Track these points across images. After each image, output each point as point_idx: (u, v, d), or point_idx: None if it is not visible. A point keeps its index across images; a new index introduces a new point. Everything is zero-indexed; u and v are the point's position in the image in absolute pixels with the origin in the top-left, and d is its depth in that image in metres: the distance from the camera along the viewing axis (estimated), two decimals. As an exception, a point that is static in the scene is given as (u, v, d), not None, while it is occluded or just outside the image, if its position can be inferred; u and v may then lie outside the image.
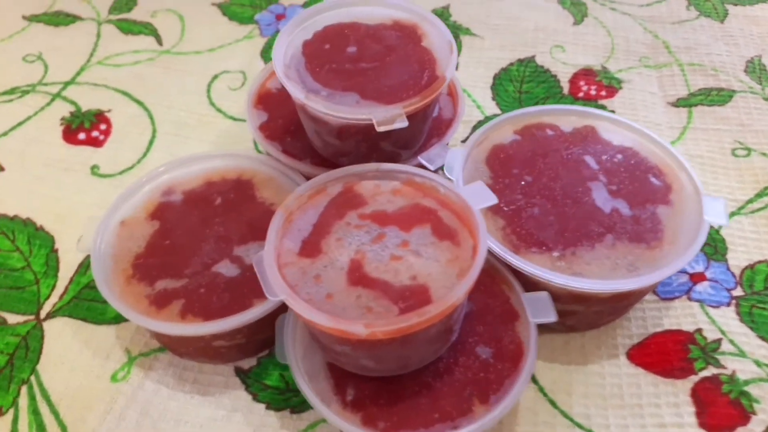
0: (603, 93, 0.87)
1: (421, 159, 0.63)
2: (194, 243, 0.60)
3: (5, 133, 0.83)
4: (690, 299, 0.66)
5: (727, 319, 0.64)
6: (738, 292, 0.66)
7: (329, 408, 0.50)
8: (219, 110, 0.86)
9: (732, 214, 0.73)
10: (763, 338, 0.62)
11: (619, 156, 0.65)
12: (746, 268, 0.68)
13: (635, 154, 0.66)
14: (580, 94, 0.87)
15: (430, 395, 0.50)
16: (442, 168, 0.63)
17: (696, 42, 0.94)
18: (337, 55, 0.60)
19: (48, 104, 0.87)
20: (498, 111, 0.85)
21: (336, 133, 0.58)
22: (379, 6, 0.64)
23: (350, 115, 0.55)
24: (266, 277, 0.46)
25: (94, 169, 0.79)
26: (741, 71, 0.89)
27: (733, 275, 0.68)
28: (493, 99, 0.87)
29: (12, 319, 0.66)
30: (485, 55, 0.93)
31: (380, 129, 0.54)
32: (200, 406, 0.60)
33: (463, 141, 0.81)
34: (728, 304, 0.65)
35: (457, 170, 0.63)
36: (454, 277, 0.47)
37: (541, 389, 0.60)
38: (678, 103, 0.86)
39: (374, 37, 0.62)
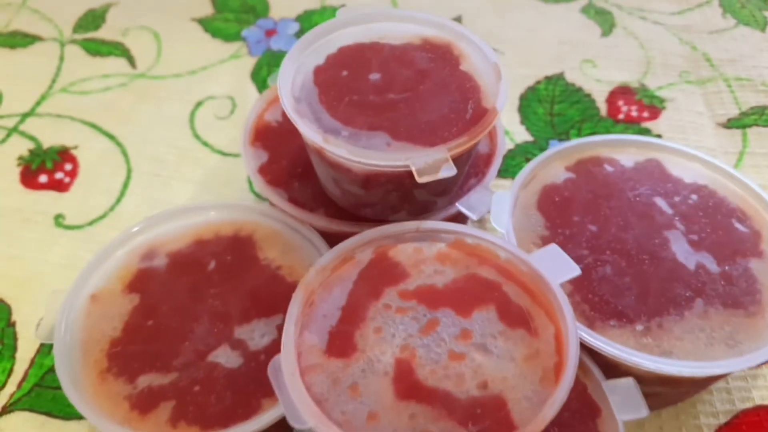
0: (645, 114, 0.77)
1: (460, 206, 0.52)
2: (184, 323, 0.48)
3: (-49, 177, 0.70)
4: (781, 364, 0.55)
5: (830, 389, 0.53)
6: (834, 352, 0.56)
7: None
8: (205, 144, 0.73)
9: (809, 255, 0.63)
10: None
11: (694, 196, 0.54)
12: (837, 321, 0.58)
13: (712, 193, 0.55)
14: (621, 116, 0.76)
15: None
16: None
17: (739, 53, 0.84)
18: (357, 83, 0.49)
19: (2, 141, 0.73)
20: (529, 137, 0.74)
21: (361, 183, 0.47)
22: (404, 21, 0.53)
23: (383, 161, 0.43)
24: (288, 395, 0.34)
25: (58, 220, 0.66)
26: (794, 86, 0.79)
27: (824, 331, 0.57)
28: (522, 123, 0.76)
29: (-44, 417, 0.53)
30: (507, 72, 0.82)
31: (422, 179, 0.42)
32: None
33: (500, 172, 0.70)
34: (825, 369, 0.55)
35: (506, 219, 0.51)
36: (537, 382, 0.36)
37: (618, 488, 0.49)
38: (729, 124, 0.76)
39: (401, 59, 0.50)
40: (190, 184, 0.70)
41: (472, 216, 0.51)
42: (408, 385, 0.36)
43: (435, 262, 0.42)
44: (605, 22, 0.89)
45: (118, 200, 0.68)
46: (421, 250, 0.43)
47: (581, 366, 0.46)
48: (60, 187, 0.69)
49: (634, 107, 0.77)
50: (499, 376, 0.36)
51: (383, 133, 0.46)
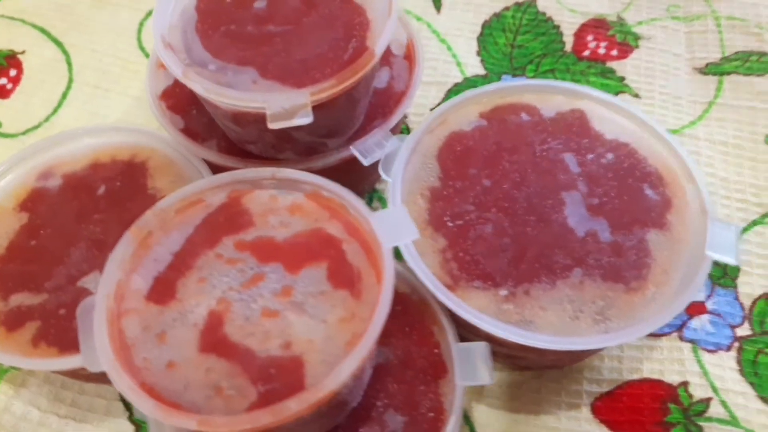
0: (614, 52, 0.71)
1: (353, 150, 0.50)
2: (64, 246, 0.49)
3: None
4: (682, 339, 0.53)
5: (724, 369, 0.51)
6: (744, 330, 0.53)
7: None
8: (147, 56, 0.72)
9: (754, 223, 0.59)
10: (765, 399, 0.49)
11: (610, 155, 0.51)
12: (760, 297, 0.55)
13: (632, 153, 0.51)
14: (586, 53, 0.71)
15: (316, 477, 0.40)
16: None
17: (742, -12, 0.75)
18: (239, 12, 0.46)
19: (-45, 41, 0.74)
20: (481, 70, 0.70)
21: (232, 119, 0.45)
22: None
23: (239, 102, 0.41)
24: (89, 339, 0.35)
25: (-5, 127, 0.68)
26: (794, 30, 0.71)
27: (742, 307, 0.54)
28: (479, 54, 0.71)
29: None
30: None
31: (274, 125, 0.40)
32: (74, 435, 0.51)
33: (433, 109, 0.67)
34: (728, 348, 0.52)
35: (396, 167, 0.49)
36: (342, 346, 0.35)
37: (478, 443, 0.49)
38: (707, 70, 0.69)
39: (293, -13, 0.47)
40: (127, 98, 0.69)
41: (363, 161, 0.50)
42: (213, 339, 0.36)
43: (285, 212, 0.41)
44: (599, -58, 0.80)
45: (55, 111, 0.69)
46: (277, 198, 0.42)
47: (437, 325, 0.45)
48: (2, 93, 0.70)
49: (603, 43, 0.71)
50: (305, 338, 0.36)
51: (252, 70, 0.44)
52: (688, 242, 0.47)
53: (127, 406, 0.51)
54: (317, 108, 0.42)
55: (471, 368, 0.42)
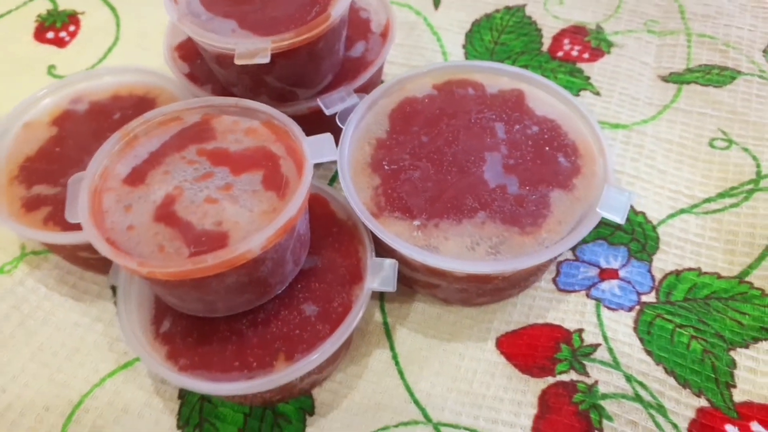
0: (586, 55, 0.78)
1: (319, 101, 0.60)
2: (80, 154, 0.61)
3: (-14, 23, 0.87)
4: (588, 296, 0.60)
5: (620, 324, 0.58)
6: (650, 298, 0.60)
7: (143, 336, 0.50)
8: (183, 24, 0.85)
9: (681, 211, 0.65)
10: (650, 353, 0.56)
11: (535, 128, 0.59)
12: (671, 273, 0.61)
13: (555, 128, 0.59)
14: (560, 54, 0.79)
15: (239, 342, 0.49)
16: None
17: (718, 10, 0.82)
18: (234, -22, 0.57)
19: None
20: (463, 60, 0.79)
21: (216, 61, 0.56)
22: None
23: (215, 42, 0.52)
24: (75, 197, 0.46)
25: (50, 69, 0.81)
26: (758, 51, 0.77)
27: (653, 279, 0.61)
28: (464, 47, 0.81)
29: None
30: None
31: (239, 62, 0.51)
32: (70, 311, 0.62)
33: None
34: (630, 309, 0.59)
35: (351, 117, 0.59)
36: (260, 229, 0.45)
37: (395, 356, 0.58)
38: (669, 78, 0.76)
39: (279, -38, 0.58)
40: (159, 56, 0.82)
41: (326, 111, 0.60)
42: (164, 212, 0.46)
43: (242, 133, 0.52)
44: (593, -40, 0.88)
45: (100, 61, 0.82)
46: (239, 122, 0.52)
47: (362, 245, 0.54)
48: (60, 43, 0.84)
49: (577, 47, 0.79)
50: (233, 220, 0.46)
51: (233, 21, 0.55)
52: (587, 202, 0.54)
53: (114, 291, 0.63)
54: (281, 56, 0.53)
55: (380, 278, 0.51)
